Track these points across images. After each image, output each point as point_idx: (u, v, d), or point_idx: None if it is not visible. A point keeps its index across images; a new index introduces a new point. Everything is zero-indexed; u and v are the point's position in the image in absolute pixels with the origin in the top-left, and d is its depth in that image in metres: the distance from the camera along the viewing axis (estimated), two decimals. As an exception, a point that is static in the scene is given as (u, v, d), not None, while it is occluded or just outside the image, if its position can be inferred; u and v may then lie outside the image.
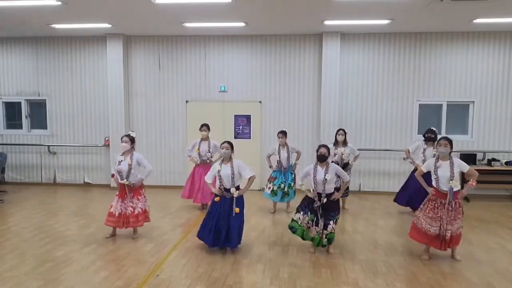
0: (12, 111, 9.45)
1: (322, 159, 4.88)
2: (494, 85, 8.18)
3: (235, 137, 8.70)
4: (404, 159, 7.80)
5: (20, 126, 9.39)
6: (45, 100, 9.16)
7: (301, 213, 4.95)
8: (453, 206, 4.59)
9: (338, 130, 6.80)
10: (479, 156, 8.23)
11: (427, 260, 4.78)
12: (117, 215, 5.33)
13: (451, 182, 4.53)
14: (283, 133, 6.78)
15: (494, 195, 8.23)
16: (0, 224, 6.18)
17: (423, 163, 5.56)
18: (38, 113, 9.40)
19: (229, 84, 8.73)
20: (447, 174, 4.56)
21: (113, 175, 5.45)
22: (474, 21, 7.13)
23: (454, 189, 4.58)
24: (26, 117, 9.33)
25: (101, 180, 9.19)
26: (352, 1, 6.03)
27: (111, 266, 4.53)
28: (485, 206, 7.54)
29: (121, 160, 5.31)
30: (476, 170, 7.62)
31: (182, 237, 5.59)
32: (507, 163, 7.97)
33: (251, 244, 5.28)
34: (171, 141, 8.97)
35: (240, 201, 4.95)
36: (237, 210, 4.85)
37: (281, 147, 6.77)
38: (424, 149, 6.42)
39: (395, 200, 7.01)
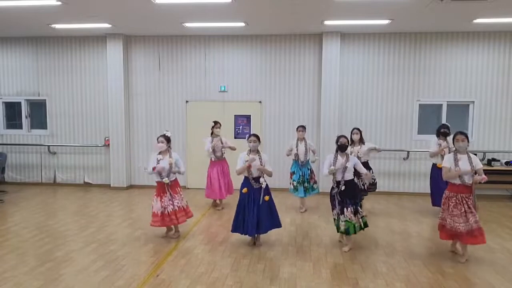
0: (12, 111, 9.45)
1: (343, 148, 5.02)
2: (494, 85, 8.18)
3: (235, 137, 8.69)
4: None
5: (20, 126, 9.39)
6: (45, 100, 9.16)
7: (333, 211, 5.12)
8: (471, 197, 4.60)
9: (353, 129, 6.65)
10: (479, 156, 8.20)
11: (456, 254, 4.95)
12: (159, 214, 5.31)
13: (476, 175, 4.51)
14: (303, 128, 6.87)
15: (494, 195, 8.24)
16: (0, 224, 6.18)
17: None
18: (38, 113, 9.40)
19: (229, 84, 8.72)
20: (468, 168, 4.54)
21: (154, 168, 5.27)
22: (474, 21, 7.13)
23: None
24: (26, 117, 9.33)
25: (101, 180, 9.18)
26: (352, 1, 6.03)
27: (111, 266, 4.53)
28: (485, 206, 7.52)
29: (160, 159, 5.32)
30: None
31: (182, 237, 5.59)
32: (507, 163, 7.98)
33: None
34: (171, 141, 8.94)
35: (267, 189, 5.16)
36: (266, 198, 5.10)
37: (299, 141, 6.86)
38: (439, 144, 6.36)
39: (434, 204, 6.75)
